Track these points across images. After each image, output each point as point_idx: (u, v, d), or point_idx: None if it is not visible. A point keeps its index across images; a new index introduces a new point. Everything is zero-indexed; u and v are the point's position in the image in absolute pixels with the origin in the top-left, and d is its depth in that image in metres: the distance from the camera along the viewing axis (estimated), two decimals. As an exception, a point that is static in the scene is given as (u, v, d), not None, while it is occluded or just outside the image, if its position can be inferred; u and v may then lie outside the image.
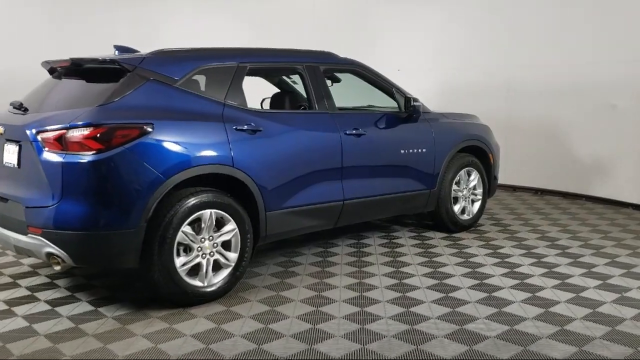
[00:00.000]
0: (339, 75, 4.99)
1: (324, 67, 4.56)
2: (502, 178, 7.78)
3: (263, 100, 6.05)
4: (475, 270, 4.29)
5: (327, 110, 4.41)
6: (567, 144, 7.20)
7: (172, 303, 3.61)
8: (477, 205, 5.60)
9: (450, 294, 3.80)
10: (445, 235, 5.34)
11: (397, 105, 5.00)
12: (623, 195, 6.68)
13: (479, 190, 5.60)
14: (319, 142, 4.27)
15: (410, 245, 4.99)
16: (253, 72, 4.20)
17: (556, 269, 4.30)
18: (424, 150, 5.01)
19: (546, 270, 4.27)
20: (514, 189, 7.78)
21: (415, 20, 8.48)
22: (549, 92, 7.31)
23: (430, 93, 8.21)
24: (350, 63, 4.82)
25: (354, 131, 4.47)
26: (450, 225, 5.38)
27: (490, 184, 5.74)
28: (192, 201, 3.53)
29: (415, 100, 4.82)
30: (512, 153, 7.66)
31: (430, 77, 8.32)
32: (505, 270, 4.27)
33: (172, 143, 3.47)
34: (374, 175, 4.67)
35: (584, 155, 7.05)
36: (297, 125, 4.16)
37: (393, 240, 5.13)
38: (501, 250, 4.81)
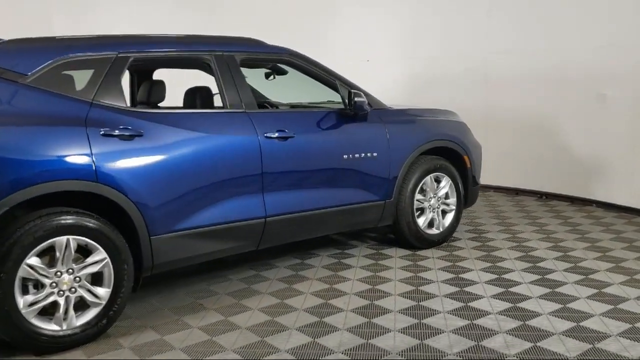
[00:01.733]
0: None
1: (242, 56, 3.80)
2: (503, 180, 6.92)
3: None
4: (421, 303, 3.47)
5: (241, 109, 3.65)
6: (567, 140, 6.25)
7: (24, 350, 2.94)
8: (449, 217, 4.74)
9: (373, 340, 2.99)
10: (407, 253, 4.51)
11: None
12: (637, 201, 5.69)
13: (452, 200, 4.73)
14: (227, 148, 3.50)
15: (360, 266, 4.19)
16: (140, 64, 3.48)
17: (522, 304, 3.42)
18: (375, 154, 4.19)
19: (509, 305, 3.41)
20: (516, 192, 6.85)
21: (384, 4, 7.61)
22: (535, 81, 6.45)
23: (401, 85, 7.45)
24: (280, 51, 4.04)
25: (277, 134, 3.70)
26: (414, 242, 4.54)
27: (467, 191, 4.88)
28: (39, 227, 2.84)
29: (358, 94, 4.00)
30: (512, 152, 6.74)
31: (402, 68, 7.50)
32: (458, 305, 3.43)
33: (7, 155, 2.79)
34: (307, 185, 3.89)
35: (589, 153, 6.08)
36: (195, 128, 3.41)
37: (343, 260, 4.33)
38: (465, 275, 3.96)
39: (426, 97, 7.08)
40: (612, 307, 3.35)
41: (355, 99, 3.97)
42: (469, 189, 4.87)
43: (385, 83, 7.47)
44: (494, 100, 6.85)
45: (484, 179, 7.05)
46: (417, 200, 4.50)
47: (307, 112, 4.16)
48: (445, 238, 4.71)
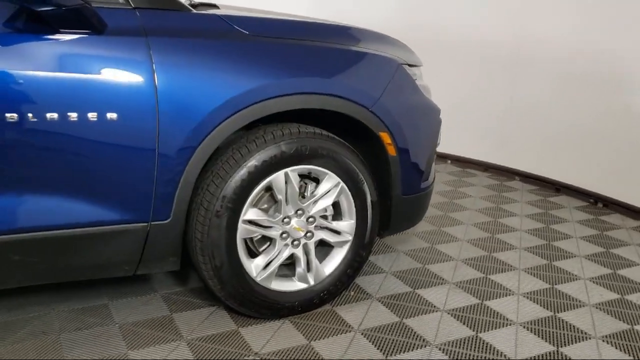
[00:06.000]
0: None
1: None
2: (539, 165, 4.22)
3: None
4: None
5: None
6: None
7: None
8: (336, 255, 2.26)
9: None
10: (219, 331, 2.13)
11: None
12: None
13: (345, 222, 2.23)
14: None
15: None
16: None
17: None
18: (113, 115, 1.76)
19: None
20: (556, 188, 4.12)
21: None
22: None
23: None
24: None
25: None
26: (238, 306, 2.13)
27: (390, 205, 2.35)
28: None
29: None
30: (555, 115, 4.02)
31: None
32: None
33: None
34: None
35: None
36: None
37: (58, 337, 2.05)
38: None
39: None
40: None
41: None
42: (393, 199, 2.34)
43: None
44: (527, 29, 4.07)
45: (506, 157, 4.38)
46: (249, 221, 2.06)
47: None
48: (323, 298, 2.25)
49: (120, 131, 1.78)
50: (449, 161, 4.79)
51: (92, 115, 1.73)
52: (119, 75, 1.76)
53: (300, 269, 2.19)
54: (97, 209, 1.82)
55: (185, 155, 1.88)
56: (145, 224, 1.90)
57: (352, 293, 2.42)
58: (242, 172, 1.98)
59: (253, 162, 1.99)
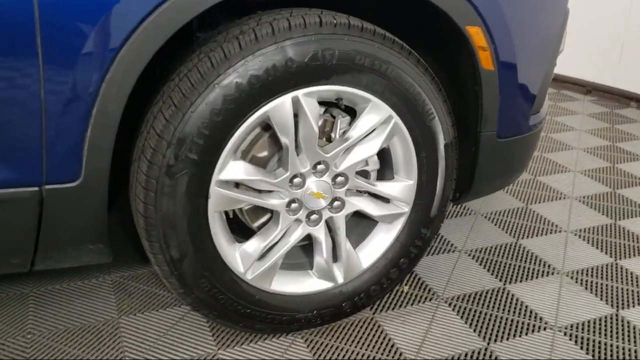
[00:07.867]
0: None
1: None
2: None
3: None
4: None
5: None
6: None
7: None
8: (385, 236, 1.37)
9: None
10: (214, 349, 1.32)
11: None
12: None
13: (399, 184, 1.32)
14: None
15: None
16: None
17: None
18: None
19: None
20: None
21: None
22: None
23: None
24: None
25: None
26: (216, 318, 1.31)
27: (478, 151, 1.41)
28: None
29: None
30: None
31: None
32: None
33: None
34: None
35: None
36: None
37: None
38: None
39: None
40: None
41: None
42: (482, 143, 1.40)
43: None
44: None
45: (615, 76, 3.22)
46: (225, 181, 1.18)
47: None
48: (358, 303, 1.38)
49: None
50: (538, 80, 3.72)
51: None
52: None
53: (322, 258, 1.32)
54: None
55: (100, 60, 0.99)
56: (35, 188, 1.05)
57: (406, 288, 1.56)
58: (213, 96, 1.08)
59: (233, 77, 1.08)
